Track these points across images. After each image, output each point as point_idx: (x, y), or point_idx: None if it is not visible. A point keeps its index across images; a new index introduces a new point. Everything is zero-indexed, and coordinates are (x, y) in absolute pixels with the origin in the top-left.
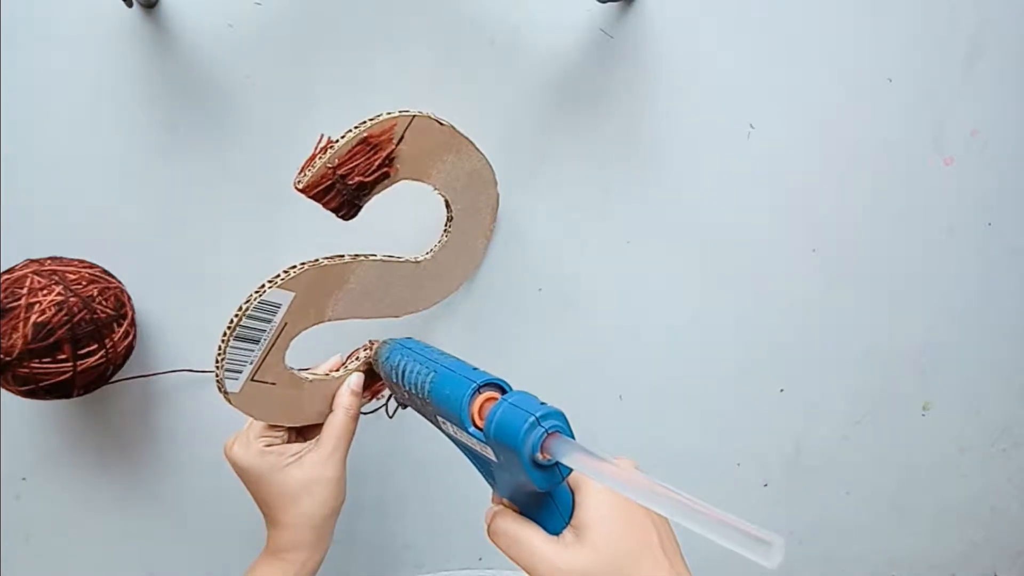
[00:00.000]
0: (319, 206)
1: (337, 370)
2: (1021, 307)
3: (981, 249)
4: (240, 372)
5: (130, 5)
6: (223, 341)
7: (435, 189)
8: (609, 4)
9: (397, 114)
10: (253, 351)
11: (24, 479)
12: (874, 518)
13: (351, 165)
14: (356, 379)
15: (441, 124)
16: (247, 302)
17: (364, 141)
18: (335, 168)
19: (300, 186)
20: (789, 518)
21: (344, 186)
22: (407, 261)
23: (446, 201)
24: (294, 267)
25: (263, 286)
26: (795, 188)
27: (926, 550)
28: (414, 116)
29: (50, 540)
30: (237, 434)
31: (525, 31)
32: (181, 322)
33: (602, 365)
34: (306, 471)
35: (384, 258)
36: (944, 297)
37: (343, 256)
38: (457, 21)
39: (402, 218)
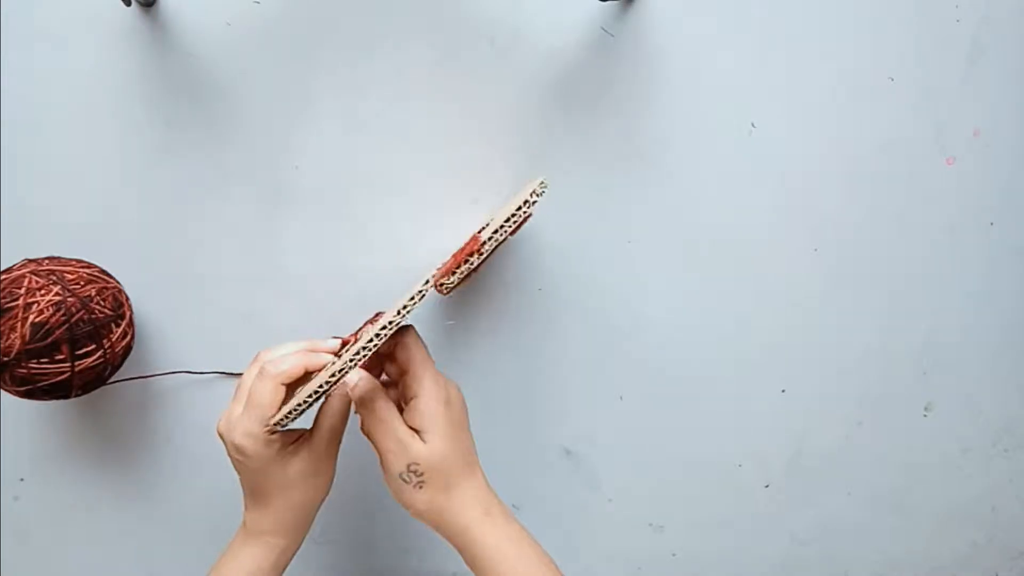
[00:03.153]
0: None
1: (338, 354)
2: (1023, 307)
3: (983, 249)
4: (294, 416)
5: (128, 4)
6: (294, 411)
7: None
8: (609, 3)
9: (534, 201)
10: (313, 404)
11: (22, 480)
12: (875, 519)
13: (487, 259)
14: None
15: (545, 192)
16: (326, 385)
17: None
18: (477, 268)
19: (446, 291)
20: (790, 519)
21: (469, 273)
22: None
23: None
24: (365, 347)
25: (342, 370)
26: (796, 188)
27: (927, 551)
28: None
29: (49, 540)
30: (229, 415)
31: (525, 30)
32: (179, 322)
33: (602, 365)
34: (304, 462)
35: (419, 298)
36: (946, 297)
37: (399, 314)
38: (457, 21)
39: (403, 219)
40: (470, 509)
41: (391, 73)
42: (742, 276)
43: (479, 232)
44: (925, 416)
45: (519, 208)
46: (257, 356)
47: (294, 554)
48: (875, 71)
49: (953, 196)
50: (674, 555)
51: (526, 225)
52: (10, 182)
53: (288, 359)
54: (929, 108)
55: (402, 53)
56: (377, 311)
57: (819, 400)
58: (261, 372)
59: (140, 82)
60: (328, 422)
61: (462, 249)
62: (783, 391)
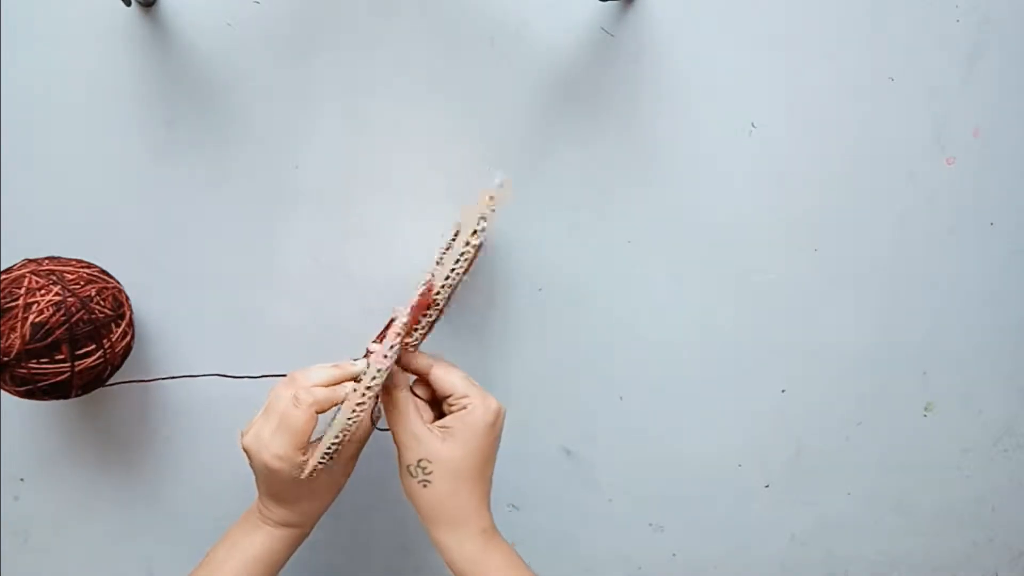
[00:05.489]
0: (325, 210)
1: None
2: (1023, 307)
3: (983, 249)
4: (327, 460)
5: (128, 4)
6: (326, 456)
7: None
8: (609, 3)
9: (482, 228)
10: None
11: (22, 480)
12: (876, 519)
13: (416, 323)
14: None
15: (495, 209)
16: (344, 433)
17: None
18: (407, 335)
19: (413, 348)
20: (790, 519)
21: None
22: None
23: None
24: (373, 381)
25: (350, 421)
26: (796, 187)
27: (928, 551)
28: (483, 238)
29: (49, 540)
30: (259, 433)
31: (525, 31)
32: (180, 322)
33: (602, 365)
34: (331, 474)
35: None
36: (946, 297)
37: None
38: (457, 21)
39: (403, 219)
40: (468, 528)
41: (391, 73)
42: (741, 276)
43: (431, 276)
44: (925, 416)
45: (467, 244)
46: (292, 377)
47: (305, 538)
48: (875, 71)
49: (953, 196)
50: (674, 555)
51: (525, 224)
52: (10, 182)
53: (323, 391)
54: (929, 107)
55: (402, 53)
56: (391, 317)
57: (819, 400)
58: (297, 399)
59: (140, 82)
60: (357, 435)
61: (419, 304)
62: (783, 391)
